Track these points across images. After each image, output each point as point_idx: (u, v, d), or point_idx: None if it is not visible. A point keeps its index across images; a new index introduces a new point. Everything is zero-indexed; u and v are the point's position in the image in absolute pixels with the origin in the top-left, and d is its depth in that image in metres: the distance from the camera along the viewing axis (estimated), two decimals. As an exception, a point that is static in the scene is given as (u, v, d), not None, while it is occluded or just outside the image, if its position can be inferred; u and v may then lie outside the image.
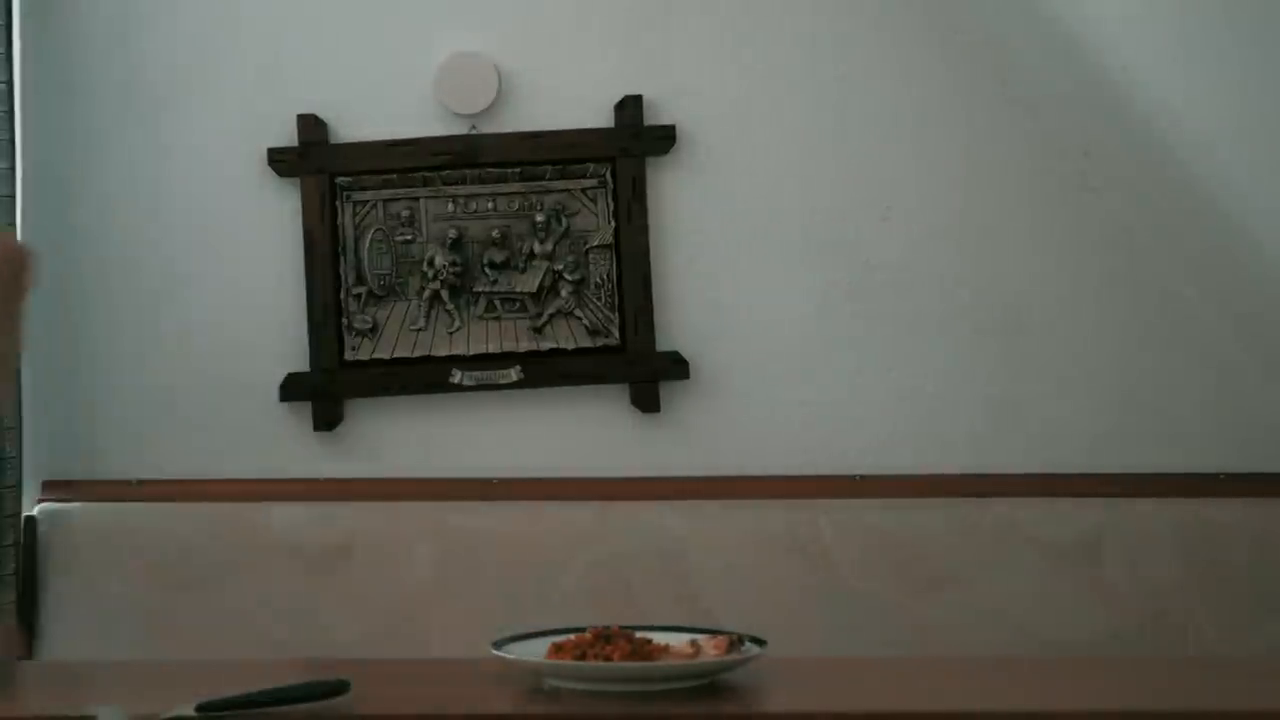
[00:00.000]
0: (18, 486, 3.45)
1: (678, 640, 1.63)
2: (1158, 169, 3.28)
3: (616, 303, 3.52)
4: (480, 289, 3.54)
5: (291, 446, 3.55)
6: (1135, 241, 3.51)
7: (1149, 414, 3.52)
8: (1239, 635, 3.41)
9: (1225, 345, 3.50)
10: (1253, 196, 2.99)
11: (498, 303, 3.53)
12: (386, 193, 3.53)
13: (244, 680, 1.76)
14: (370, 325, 3.52)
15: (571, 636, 1.64)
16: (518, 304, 3.54)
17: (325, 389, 3.53)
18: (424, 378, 3.53)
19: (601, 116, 3.53)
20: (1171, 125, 3.03)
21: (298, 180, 3.55)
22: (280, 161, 3.55)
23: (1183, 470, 3.50)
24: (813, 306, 3.54)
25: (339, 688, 1.67)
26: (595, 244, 3.53)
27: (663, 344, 3.53)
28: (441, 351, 3.53)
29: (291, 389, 3.53)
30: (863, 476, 3.50)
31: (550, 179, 3.53)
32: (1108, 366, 3.53)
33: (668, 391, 3.53)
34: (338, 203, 3.54)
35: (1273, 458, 3.49)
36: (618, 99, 3.53)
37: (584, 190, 3.53)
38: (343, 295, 3.53)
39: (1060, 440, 3.52)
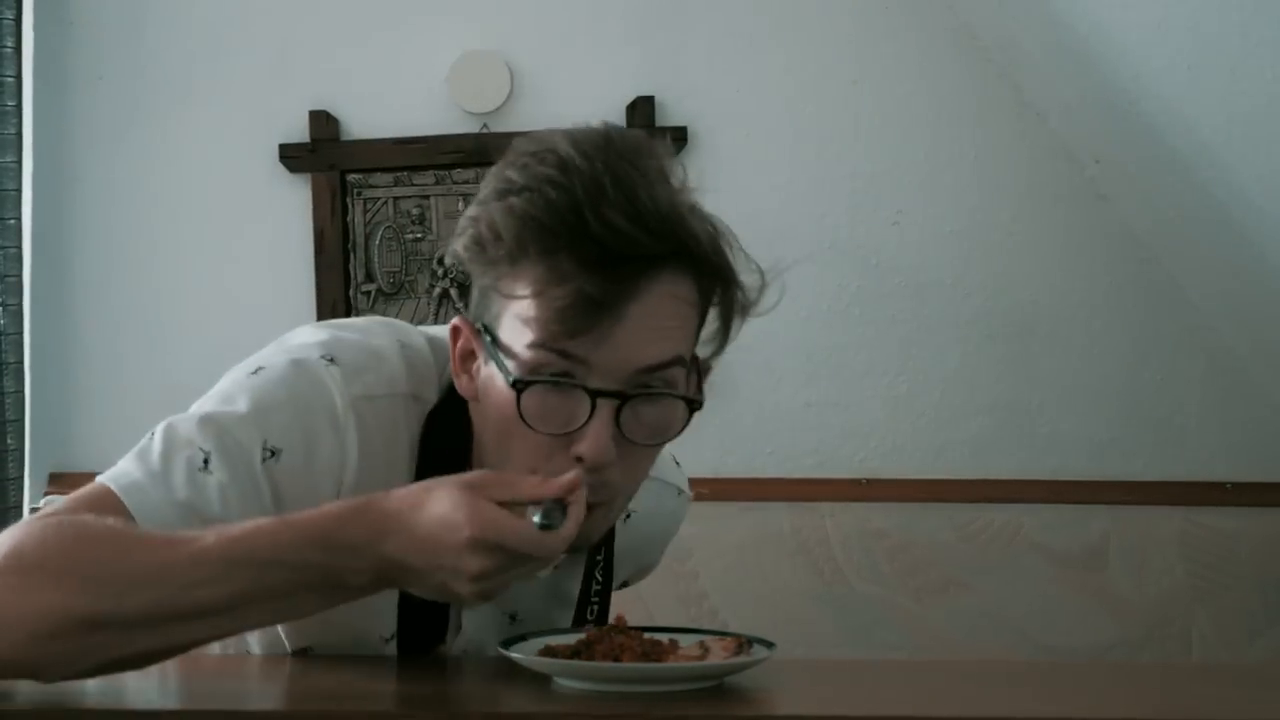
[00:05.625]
0: (21, 479, 3.46)
1: (686, 641, 1.63)
2: (1168, 177, 3.28)
3: (625, 303, 3.52)
4: (489, 288, 3.54)
5: (298, 443, 3.54)
6: (1144, 249, 3.51)
7: (1156, 421, 3.53)
8: (1243, 642, 3.41)
9: (1233, 354, 3.51)
10: (1263, 205, 2.98)
11: (506, 302, 3.53)
12: (397, 190, 3.54)
13: (247, 676, 1.76)
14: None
15: (578, 636, 1.64)
16: (526, 303, 3.54)
17: (333, 386, 3.52)
18: (432, 376, 3.53)
19: (613, 116, 3.52)
20: (1182, 133, 3.02)
21: (308, 176, 3.55)
22: (291, 158, 3.55)
23: (1188, 478, 3.50)
24: (822, 309, 3.54)
25: None
26: (605, 244, 3.53)
27: (670, 345, 3.53)
28: (450, 350, 3.53)
29: (299, 385, 3.53)
30: (869, 480, 3.50)
31: (560, 178, 3.53)
32: (1115, 373, 3.54)
33: (675, 392, 3.53)
34: (348, 199, 3.54)
35: (1278, 467, 3.50)
36: (629, 99, 3.53)
37: (594, 190, 3.53)
38: (352, 292, 3.53)
39: (1067, 446, 3.53)
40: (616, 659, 1.57)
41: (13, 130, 3.42)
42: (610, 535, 1.81)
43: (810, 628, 3.39)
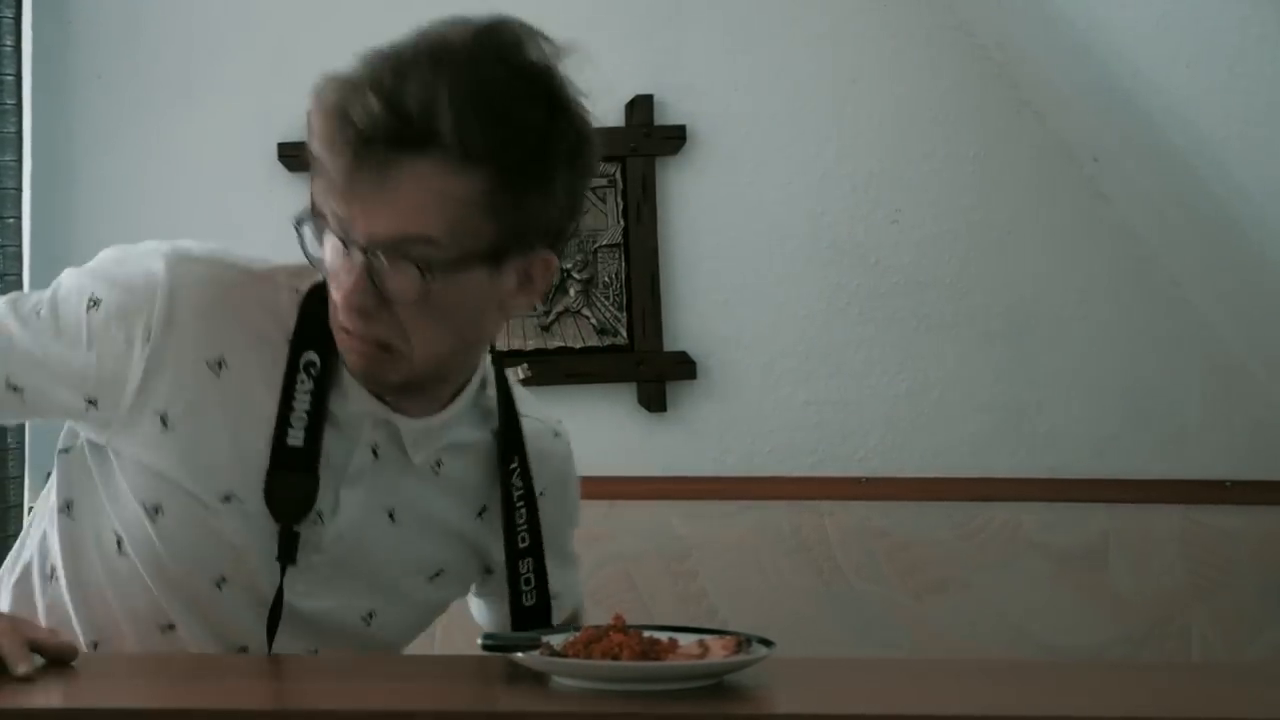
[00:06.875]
0: (21, 478, 3.46)
1: (685, 640, 1.63)
2: (1167, 175, 3.28)
3: (624, 302, 3.52)
4: (488, 286, 3.53)
5: (297, 442, 3.54)
6: (1143, 247, 3.51)
7: (1155, 419, 3.53)
8: (1242, 641, 3.41)
9: (1233, 352, 3.50)
10: (1263, 202, 2.98)
11: (505, 300, 3.53)
12: (396, 189, 3.53)
13: (244, 675, 1.76)
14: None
15: (575, 634, 1.64)
16: (525, 302, 3.53)
17: (332, 384, 3.52)
18: (431, 374, 3.53)
19: (612, 115, 3.53)
20: (1181, 130, 3.02)
21: (308, 175, 3.54)
22: (290, 156, 3.55)
23: (1188, 476, 3.50)
24: (821, 308, 3.54)
25: None
26: (604, 243, 3.53)
27: (670, 344, 3.53)
28: (449, 348, 3.52)
29: (298, 384, 3.53)
30: (868, 478, 3.50)
31: (559, 177, 3.52)
32: (1115, 371, 3.53)
33: (674, 391, 3.53)
34: (347, 198, 3.53)
35: (1278, 465, 3.50)
36: (628, 98, 3.53)
37: (593, 189, 3.53)
38: (350, 291, 3.53)
39: (1066, 445, 3.52)
40: (615, 658, 1.57)
41: (12, 129, 3.42)
42: (520, 442, 1.99)
43: (809, 626, 3.39)
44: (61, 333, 1.89)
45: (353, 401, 1.89)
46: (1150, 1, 2.80)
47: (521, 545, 1.97)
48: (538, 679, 1.60)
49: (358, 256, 1.76)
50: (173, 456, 1.86)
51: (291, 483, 1.85)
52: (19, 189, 3.44)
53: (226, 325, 1.88)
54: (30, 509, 3.45)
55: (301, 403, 1.87)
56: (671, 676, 1.57)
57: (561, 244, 1.89)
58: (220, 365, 1.87)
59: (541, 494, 2.02)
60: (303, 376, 1.87)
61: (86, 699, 1.65)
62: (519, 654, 1.59)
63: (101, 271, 1.92)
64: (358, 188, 1.76)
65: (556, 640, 1.64)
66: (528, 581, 1.98)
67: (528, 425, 2.02)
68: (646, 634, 1.63)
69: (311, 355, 1.87)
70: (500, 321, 1.92)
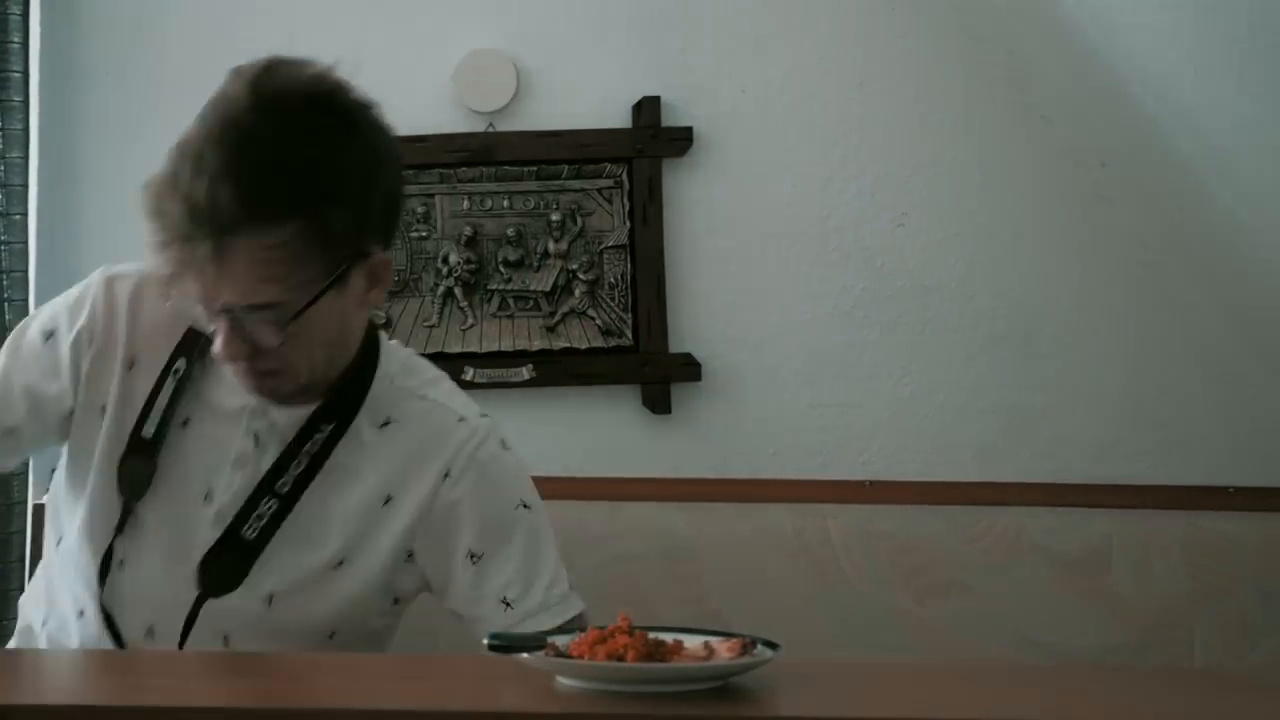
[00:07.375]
0: (25, 475, 3.46)
1: (691, 642, 1.64)
2: (1174, 181, 3.28)
3: (630, 303, 3.52)
4: (494, 287, 3.54)
5: (302, 440, 3.54)
6: (1149, 253, 3.51)
7: (1159, 425, 3.53)
8: (1245, 647, 3.41)
9: (1237, 358, 3.50)
10: (1269, 210, 2.99)
11: (511, 301, 3.54)
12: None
13: (245, 674, 1.76)
14: (383, 321, 3.52)
15: (579, 635, 1.64)
16: (531, 302, 3.54)
17: (337, 383, 3.52)
18: (436, 374, 3.53)
19: (619, 117, 3.53)
20: (1189, 137, 3.03)
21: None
22: (297, 155, 3.55)
23: (1192, 482, 3.50)
24: (826, 311, 3.54)
25: None
26: (610, 244, 3.54)
27: (675, 345, 3.53)
28: (454, 349, 3.53)
29: (303, 382, 3.53)
30: (873, 482, 3.50)
31: (566, 178, 3.53)
32: (1119, 377, 3.53)
33: (679, 393, 3.53)
34: (353, 197, 3.54)
35: (1283, 471, 3.50)
36: (635, 99, 3.53)
37: (600, 190, 3.54)
38: (356, 290, 3.53)
39: (1070, 450, 3.52)
40: (621, 659, 1.58)
41: (19, 125, 3.42)
42: (349, 413, 2.16)
43: (812, 629, 3.38)
44: (29, 369, 2.19)
45: (236, 395, 2.13)
46: (1159, 8, 2.81)
47: (276, 486, 2.12)
48: (542, 679, 1.61)
49: (221, 319, 2.00)
50: (100, 446, 2.16)
51: (137, 466, 2.12)
52: (25, 185, 3.45)
53: (144, 330, 2.16)
54: (36, 505, 3.46)
55: (162, 401, 2.14)
56: (677, 678, 1.57)
57: (391, 237, 2.14)
58: (132, 364, 2.17)
59: (447, 476, 2.17)
60: (169, 381, 2.14)
61: (86, 696, 1.65)
62: (524, 654, 1.60)
63: (50, 311, 2.23)
64: (199, 273, 1.96)
65: (562, 641, 1.64)
66: (260, 517, 2.11)
67: (420, 407, 2.21)
68: (652, 635, 1.63)
69: (180, 363, 2.14)
70: (364, 315, 2.16)
